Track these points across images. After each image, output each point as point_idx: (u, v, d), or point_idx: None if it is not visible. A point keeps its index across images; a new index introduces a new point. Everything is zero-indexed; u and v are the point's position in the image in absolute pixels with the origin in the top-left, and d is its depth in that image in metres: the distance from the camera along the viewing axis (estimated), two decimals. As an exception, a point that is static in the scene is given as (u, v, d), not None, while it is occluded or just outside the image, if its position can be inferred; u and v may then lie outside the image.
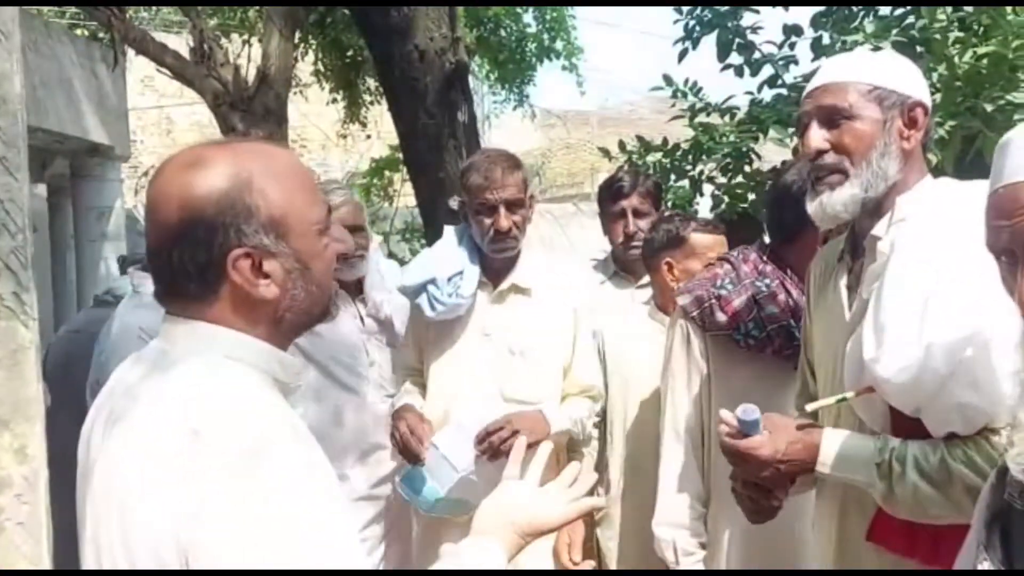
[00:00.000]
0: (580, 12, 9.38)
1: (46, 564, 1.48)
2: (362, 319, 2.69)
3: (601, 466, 2.56)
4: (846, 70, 1.66)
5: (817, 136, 1.62)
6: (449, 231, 2.54)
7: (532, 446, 1.44)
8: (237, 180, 1.07)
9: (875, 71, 1.64)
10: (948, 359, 1.43)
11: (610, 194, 2.96)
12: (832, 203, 1.62)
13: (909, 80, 1.65)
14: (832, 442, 1.58)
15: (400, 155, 9.32)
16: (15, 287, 1.46)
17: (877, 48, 2.73)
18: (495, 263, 2.44)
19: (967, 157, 2.56)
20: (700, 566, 2.14)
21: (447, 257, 2.43)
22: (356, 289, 2.67)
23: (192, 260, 1.07)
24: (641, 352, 2.53)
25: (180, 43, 8.79)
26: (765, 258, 2.15)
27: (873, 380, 1.51)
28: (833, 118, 1.62)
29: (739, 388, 2.04)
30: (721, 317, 2.08)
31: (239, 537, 0.96)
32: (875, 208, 1.63)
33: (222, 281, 1.08)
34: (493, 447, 2.23)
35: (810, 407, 1.62)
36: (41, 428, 1.49)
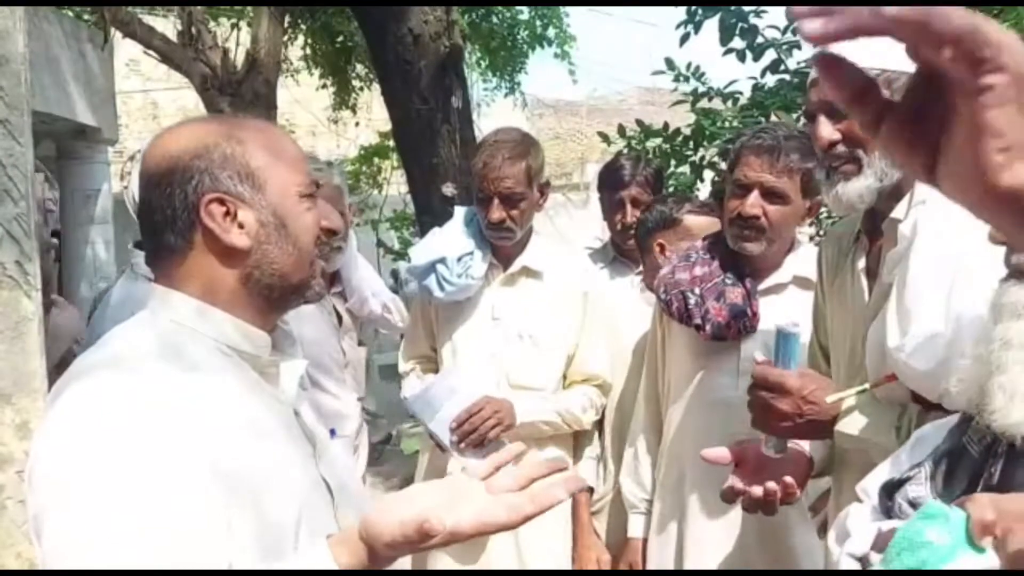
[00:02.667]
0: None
1: (48, 543, 1.42)
2: (339, 316, 2.63)
3: (603, 456, 2.53)
4: (850, 55, 1.60)
5: (827, 128, 1.57)
6: (459, 212, 2.49)
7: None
8: (218, 133, 1.10)
9: (879, 52, 1.58)
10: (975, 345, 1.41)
11: (610, 181, 2.91)
12: (847, 193, 1.58)
13: None
14: (853, 403, 1.56)
15: (389, 142, 9.30)
16: (18, 256, 1.40)
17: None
18: (505, 247, 2.40)
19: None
20: (639, 520, 2.28)
21: (457, 238, 2.39)
22: (329, 284, 2.59)
23: (169, 204, 1.08)
24: (638, 337, 2.51)
25: (168, 26, 8.67)
26: (717, 237, 2.16)
27: (896, 368, 1.48)
28: (840, 109, 1.57)
29: (675, 354, 2.20)
30: (656, 282, 2.19)
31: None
32: (893, 190, 1.59)
33: (195, 227, 1.08)
34: (466, 434, 2.23)
35: (831, 398, 1.58)
36: (43, 403, 1.44)
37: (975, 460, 1.14)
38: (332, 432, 1.51)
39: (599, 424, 2.51)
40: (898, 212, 1.58)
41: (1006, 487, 1.06)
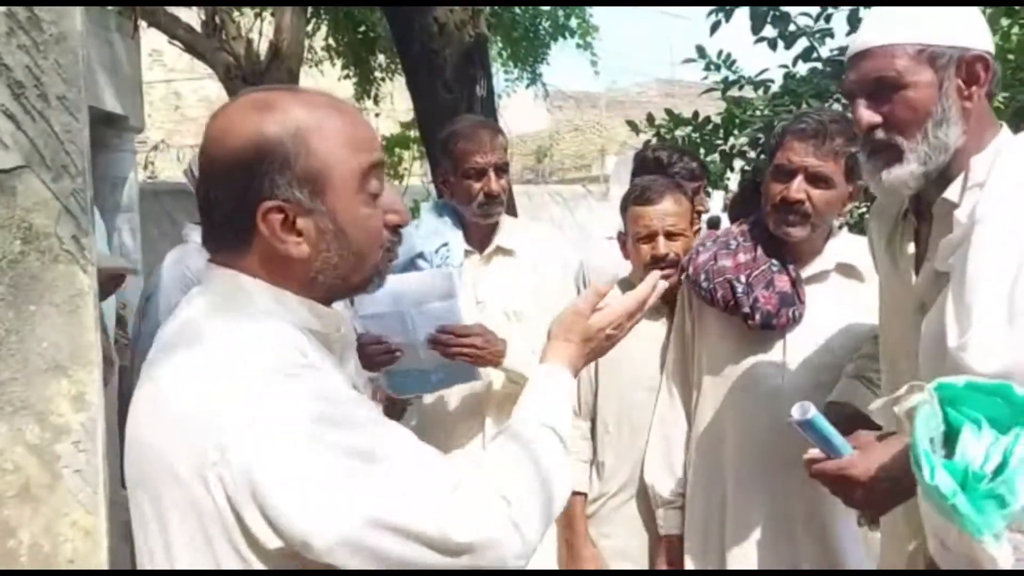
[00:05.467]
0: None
1: (102, 512, 1.46)
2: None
3: (595, 460, 2.36)
4: (891, 29, 1.48)
5: (865, 111, 1.49)
6: (424, 208, 2.55)
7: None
8: (282, 128, 1.03)
9: (924, 25, 1.46)
10: None
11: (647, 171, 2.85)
12: (891, 181, 1.50)
13: (965, 28, 1.48)
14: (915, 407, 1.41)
15: (411, 132, 9.33)
16: (75, 230, 1.43)
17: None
18: (478, 230, 2.41)
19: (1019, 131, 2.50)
20: (674, 514, 2.19)
21: (429, 231, 2.40)
22: None
23: (228, 203, 1.05)
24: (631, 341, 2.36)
25: (192, 16, 8.72)
26: (754, 223, 2.12)
27: (958, 369, 1.34)
28: (881, 89, 1.47)
29: (709, 343, 2.14)
30: (690, 269, 2.13)
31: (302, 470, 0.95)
32: (941, 173, 1.49)
33: (253, 232, 1.04)
34: (440, 342, 2.17)
35: (873, 406, 1.46)
36: (99, 375, 1.47)
37: None
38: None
39: (592, 426, 2.35)
40: (951, 193, 1.48)
41: None
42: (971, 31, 1.49)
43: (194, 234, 1.82)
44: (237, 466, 0.95)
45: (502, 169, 2.38)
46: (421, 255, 2.35)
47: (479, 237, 2.43)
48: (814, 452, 1.47)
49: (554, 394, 1.22)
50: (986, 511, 0.98)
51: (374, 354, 2.16)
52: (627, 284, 2.27)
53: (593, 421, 2.36)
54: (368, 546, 0.95)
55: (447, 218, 2.43)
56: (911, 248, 1.60)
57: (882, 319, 1.74)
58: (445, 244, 2.37)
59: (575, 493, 2.22)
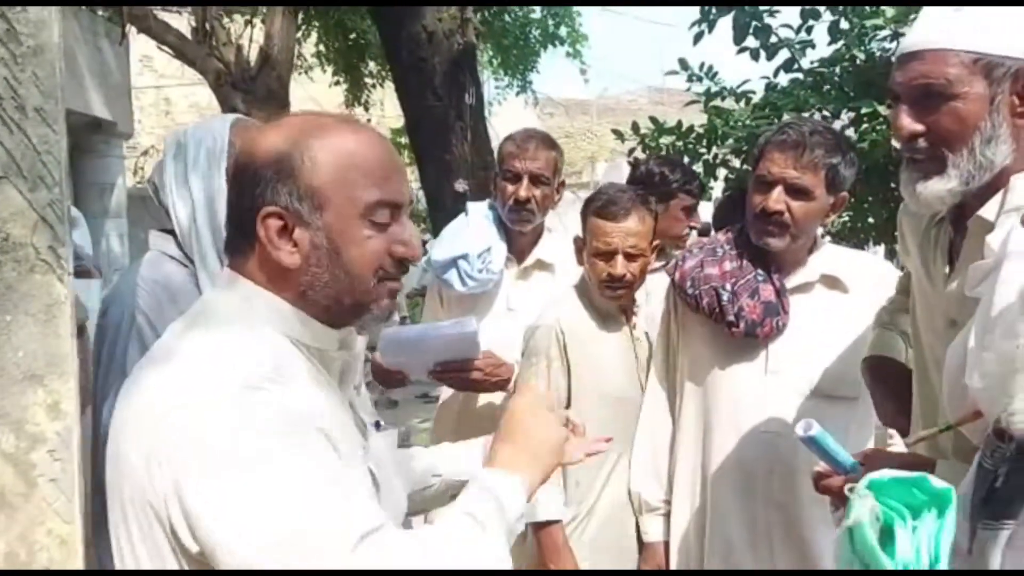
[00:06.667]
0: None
1: (78, 521, 1.47)
2: None
3: (566, 479, 2.22)
4: (948, 31, 1.34)
5: (908, 119, 1.37)
6: (477, 207, 2.54)
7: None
8: (294, 142, 1.07)
9: (984, 32, 1.33)
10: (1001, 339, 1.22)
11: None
12: (926, 195, 1.40)
13: None
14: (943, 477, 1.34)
15: (401, 139, 9.34)
16: (51, 241, 1.44)
17: (899, 35, 2.68)
18: (520, 240, 2.45)
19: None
20: (660, 521, 2.17)
21: (476, 233, 2.44)
22: None
23: (239, 204, 1.10)
24: (592, 349, 2.25)
25: (182, 22, 8.73)
26: (740, 231, 2.12)
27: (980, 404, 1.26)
28: (928, 96, 1.35)
29: (693, 350, 2.13)
30: (677, 276, 2.12)
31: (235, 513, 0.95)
32: (983, 187, 1.39)
33: (254, 235, 1.08)
34: (451, 370, 2.23)
35: (909, 440, 1.42)
36: (75, 384, 1.47)
37: (987, 471, 1.07)
38: (377, 424, 1.52)
39: None
40: (988, 212, 1.38)
41: (1009, 491, 1.02)
42: None
43: (160, 241, 1.81)
44: (169, 468, 0.97)
45: (539, 180, 2.39)
46: (465, 256, 2.40)
47: (520, 247, 2.48)
48: (822, 467, 1.46)
49: (487, 489, 1.11)
50: None
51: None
52: (581, 291, 2.25)
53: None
54: (268, 567, 0.94)
55: (495, 225, 2.47)
56: (945, 260, 1.49)
57: (914, 324, 1.65)
58: (488, 249, 2.41)
59: (552, 522, 2.17)
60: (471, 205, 2.55)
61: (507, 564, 1.06)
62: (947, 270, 1.48)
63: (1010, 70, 1.32)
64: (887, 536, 1.08)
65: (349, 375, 1.19)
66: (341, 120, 1.13)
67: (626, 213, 2.14)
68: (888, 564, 1.06)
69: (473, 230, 2.45)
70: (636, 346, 2.27)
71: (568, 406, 2.20)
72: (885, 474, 1.14)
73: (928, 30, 1.38)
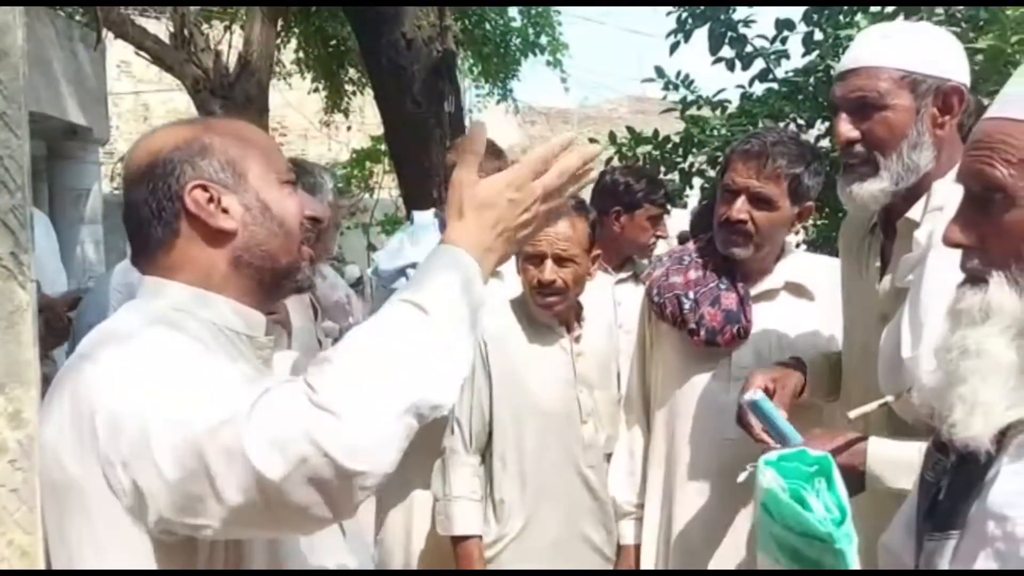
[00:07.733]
0: (565, 8, 9.37)
1: (39, 531, 1.44)
2: (315, 308, 2.61)
3: (492, 496, 2.17)
4: (879, 51, 1.57)
5: (847, 126, 1.58)
6: (423, 216, 2.57)
7: None
8: (197, 129, 1.16)
9: (910, 53, 1.56)
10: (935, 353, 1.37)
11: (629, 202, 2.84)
12: (861, 194, 1.59)
13: (946, 61, 1.57)
14: (879, 448, 1.49)
15: (381, 146, 9.34)
16: (13, 247, 1.41)
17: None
18: None
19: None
20: (632, 524, 2.20)
21: (424, 241, 2.44)
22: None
23: (154, 198, 1.13)
24: (519, 361, 2.20)
25: (160, 28, 8.67)
26: (709, 240, 2.15)
27: (911, 380, 1.43)
28: (863, 107, 1.56)
29: (663, 357, 2.17)
30: (647, 284, 2.19)
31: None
32: (910, 189, 1.58)
33: (180, 216, 1.12)
34: None
35: (852, 414, 1.50)
36: (36, 393, 1.45)
37: (930, 484, 1.09)
38: None
39: (482, 457, 2.18)
40: (914, 213, 1.57)
41: (952, 500, 1.02)
42: (951, 62, 1.58)
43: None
44: (105, 417, 1.02)
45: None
46: (414, 265, 2.38)
47: None
48: (763, 436, 1.58)
49: (426, 272, 1.05)
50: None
51: None
52: (518, 303, 2.22)
53: (488, 456, 2.19)
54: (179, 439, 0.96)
55: (439, 233, 2.43)
56: (877, 261, 1.67)
57: (846, 326, 1.79)
58: None
59: (468, 536, 2.11)
60: (416, 214, 2.57)
61: (460, 350, 1.01)
62: (878, 276, 1.64)
63: (932, 86, 1.54)
64: (800, 504, 1.20)
65: (275, 364, 1.24)
66: (214, 118, 1.23)
67: (556, 217, 2.13)
68: (813, 519, 1.17)
69: (420, 238, 2.45)
70: (576, 360, 2.20)
71: (490, 418, 2.17)
72: (772, 454, 1.31)
73: (863, 50, 1.60)
